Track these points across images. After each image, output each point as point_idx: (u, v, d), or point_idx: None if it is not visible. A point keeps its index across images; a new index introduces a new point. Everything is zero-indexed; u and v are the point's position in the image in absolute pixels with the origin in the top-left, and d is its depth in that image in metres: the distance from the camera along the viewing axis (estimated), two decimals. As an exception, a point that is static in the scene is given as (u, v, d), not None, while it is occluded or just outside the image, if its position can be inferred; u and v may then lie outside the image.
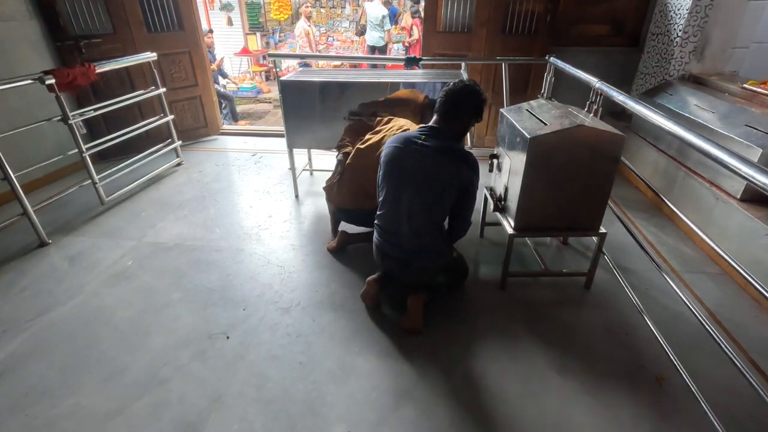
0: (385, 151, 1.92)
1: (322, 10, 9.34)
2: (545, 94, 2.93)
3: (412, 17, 7.40)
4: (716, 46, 3.20)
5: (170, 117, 3.61)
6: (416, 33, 7.32)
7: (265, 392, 1.65)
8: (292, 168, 3.15)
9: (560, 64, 2.72)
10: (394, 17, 7.82)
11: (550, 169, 1.92)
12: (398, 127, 2.27)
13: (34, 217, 2.55)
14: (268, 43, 9.08)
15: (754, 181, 1.12)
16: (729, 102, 2.70)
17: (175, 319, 2.02)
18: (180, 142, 3.79)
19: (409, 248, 1.91)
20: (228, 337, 1.91)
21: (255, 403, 1.61)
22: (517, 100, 3.01)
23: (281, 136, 3.43)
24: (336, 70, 3.74)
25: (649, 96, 3.32)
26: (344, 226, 2.58)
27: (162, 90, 3.50)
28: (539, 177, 1.95)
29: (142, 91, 3.45)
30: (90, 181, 2.89)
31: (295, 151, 3.07)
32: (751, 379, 1.30)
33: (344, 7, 9.31)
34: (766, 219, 2.19)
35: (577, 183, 1.95)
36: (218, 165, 3.84)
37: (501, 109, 2.32)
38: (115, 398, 1.63)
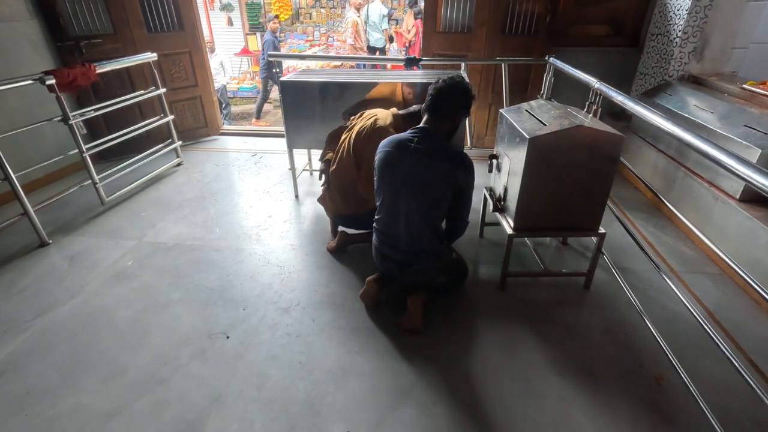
0: (378, 155, 1.89)
1: (322, 10, 9.35)
2: (545, 95, 2.93)
3: (415, 18, 7.38)
4: (716, 46, 3.21)
5: (170, 117, 3.61)
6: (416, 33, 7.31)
7: (264, 392, 1.66)
8: (292, 168, 3.15)
9: (560, 64, 2.72)
10: (275, 47, 7.54)
11: (550, 170, 1.93)
12: (367, 117, 2.28)
13: (34, 217, 2.55)
14: (268, 44, 9.06)
15: (752, 181, 1.13)
16: (728, 102, 2.71)
17: (175, 318, 2.03)
18: (180, 142, 3.80)
19: (407, 251, 1.91)
20: (228, 337, 1.91)
21: (255, 402, 1.61)
22: (516, 100, 3.01)
23: (281, 136, 3.43)
24: (336, 71, 3.74)
25: (648, 96, 3.33)
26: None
27: (162, 90, 3.50)
28: (538, 177, 1.95)
29: (142, 92, 3.46)
30: (90, 181, 2.90)
31: (295, 151, 3.08)
32: (749, 379, 1.31)
33: (344, 8, 9.32)
34: (765, 219, 2.20)
35: (576, 183, 1.95)
36: (218, 165, 3.85)
37: (500, 110, 2.32)
38: (115, 398, 1.63)
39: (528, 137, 1.86)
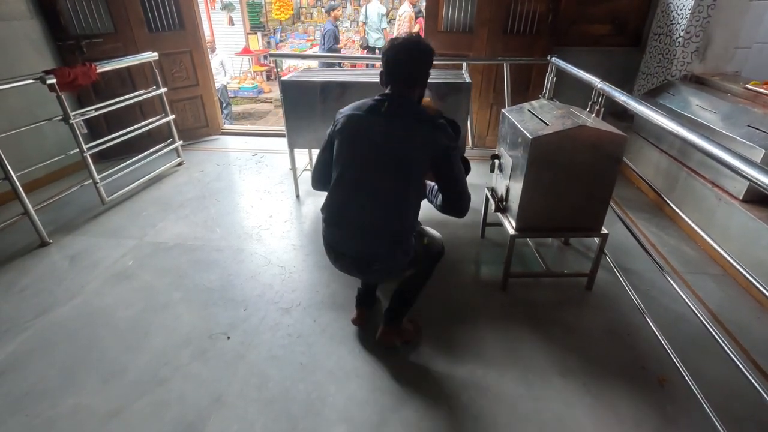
0: (341, 121, 1.55)
1: (323, 9, 9.34)
2: (547, 95, 2.93)
3: (416, 17, 7.36)
4: (718, 46, 3.19)
5: (171, 117, 3.60)
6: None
7: (265, 392, 1.65)
8: (293, 168, 3.15)
9: (562, 64, 2.72)
10: (335, 37, 7.52)
11: (552, 170, 1.92)
12: None
13: (35, 216, 2.54)
14: (269, 43, 9.07)
15: (756, 181, 1.12)
16: (731, 102, 2.70)
17: (175, 318, 2.02)
18: (181, 141, 3.79)
19: (370, 243, 1.55)
20: (228, 337, 1.91)
21: (255, 403, 1.61)
22: (518, 100, 3.00)
23: (282, 135, 3.43)
24: (336, 70, 3.74)
25: (651, 96, 3.31)
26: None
27: (163, 90, 3.50)
28: (541, 177, 1.94)
29: (143, 91, 3.45)
30: (91, 180, 2.89)
31: (296, 150, 3.07)
32: (753, 381, 1.30)
33: (345, 7, 9.32)
34: (768, 220, 2.19)
35: (578, 183, 1.94)
36: (219, 165, 3.84)
37: (502, 110, 2.31)
38: (115, 398, 1.63)
39: (530, 137, 1.85)
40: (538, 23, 3.66)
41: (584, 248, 2.58)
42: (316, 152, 3.57)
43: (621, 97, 1.91)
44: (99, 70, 2.95)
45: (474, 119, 3.95)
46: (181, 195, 3.25)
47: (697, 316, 1.58)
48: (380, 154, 1.50)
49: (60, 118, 2.69)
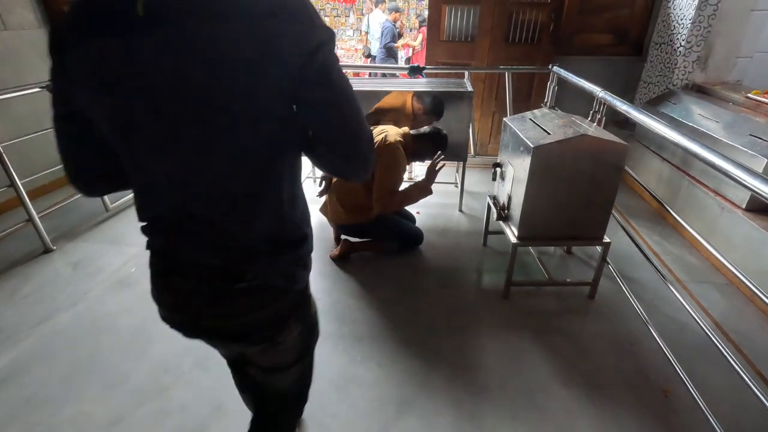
0: (72, 64, 0.67)
1: (326, 18, 9.46)
2: (548, 103, 2.94)
3: (420, 26, 7.43)
4: (720, 55, 3.21)
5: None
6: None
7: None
8: (296, 175, 3.16)
9: (563, 73, 2.73)
10: (394, 37, 7.74)
11: (554, 178, 1.92)
12: (377, 133, 2.29)
13: (39, 223, 2.56)
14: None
15: (758, 191, 1.12)
16: (733, 111, 2.70)
17: (177, 326, 2.02)
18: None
19: (217, 251, 0.80)
20: (230, 345, 1.90)
21: (256, 412, 1.60)
22: (520, 108, 3.02)
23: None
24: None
25: (652, 105, 3.32)
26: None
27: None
28: (543, 186, 1.94)
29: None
30: (95, 187, 2.91)
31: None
32: (757, 392, 1.29)
33: (348, 16, 9.42)
34: (771, 229, 2.18)
35: (580, 192, 1.95)
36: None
37: (504, 118, 2.32)
38: (116, 406, 1.62)
39: (532, 146, 1.85)
40: (539, 32, 3.69)
41: (587, 257, 2.58)
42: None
43: (622, 106, 1.92)
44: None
45: (476, 127, 3.97)
46: (184, 202, 3.26)
47: (701, 326, 1.57)
48: (179, 100, 0.67)
49: (65, 125, 2.71)
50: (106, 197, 2.97)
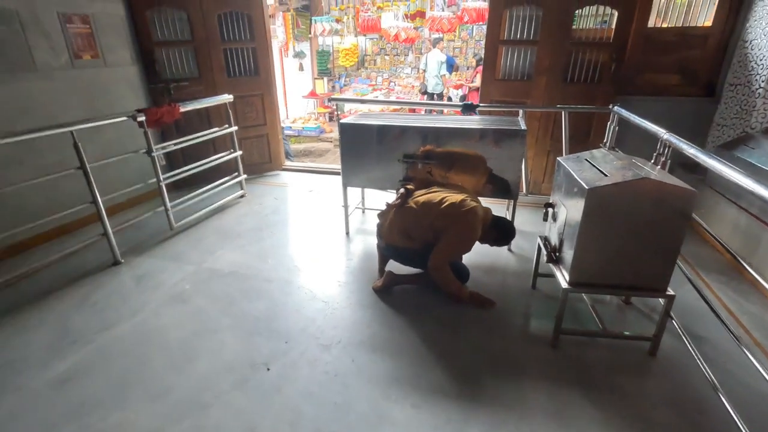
0: None
1: (387, 57, 9.90)
2: (608, 144, 2.83)
3: (477, 65, 7.59)
4: (806, 98, 2.94)
5: (239, 153, 3.90)
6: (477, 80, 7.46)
7: (298, 429, 1.63)
8: (345, 205, 3.24)
9: (625, 113, 2.63)
10: (451, 67, 8.11)
11: (610, 223, 1.82)
12: (457, 192, 2.36)
13: (112, 238, 2.81)
14: (333, 87, 9.70)
15: None
16: (824, 159, 2.44)
17: (221, 344, 2.09)
18: (245, 175, 4.06)
19: None
20: (268, 369, 1.93)
21: (287, 440, 1.59)
22: (577, 148, 2.92)
23: (337, 173, 3.57)
24: (394, 114, 3.88)
25: (727, 149, 3.08)
26: (391, 267, 2.58)
27: (234, 128, 3.81)
28: (598, 230, 1.84)
29: (217, 129, 3.78)
30: (163, 207, 3.16)
31: (349, 189, 3.17)
32: None
33: (407, 55, 9.81)
34: None
35: (640, 239, 1.82)
36: (277, 198, 4.05)
37: (558, 158, 2.26)
38: (158, 417, 1.69)
39: (587, 188, 1.78)
40: (600, 72, 3.61)
41: (648, 309, 2.37)
42: (368, 192, 3.71)
43: (689, 149, 1.80)
44: (182, 110, 3.28)
45: (529, 166, 3.88)
46: (240, 225, 3.44)
47: (784, 401, 1.37)
48: None
49: (144, 150, 3.00)
50: (172, 217, 3.21)
